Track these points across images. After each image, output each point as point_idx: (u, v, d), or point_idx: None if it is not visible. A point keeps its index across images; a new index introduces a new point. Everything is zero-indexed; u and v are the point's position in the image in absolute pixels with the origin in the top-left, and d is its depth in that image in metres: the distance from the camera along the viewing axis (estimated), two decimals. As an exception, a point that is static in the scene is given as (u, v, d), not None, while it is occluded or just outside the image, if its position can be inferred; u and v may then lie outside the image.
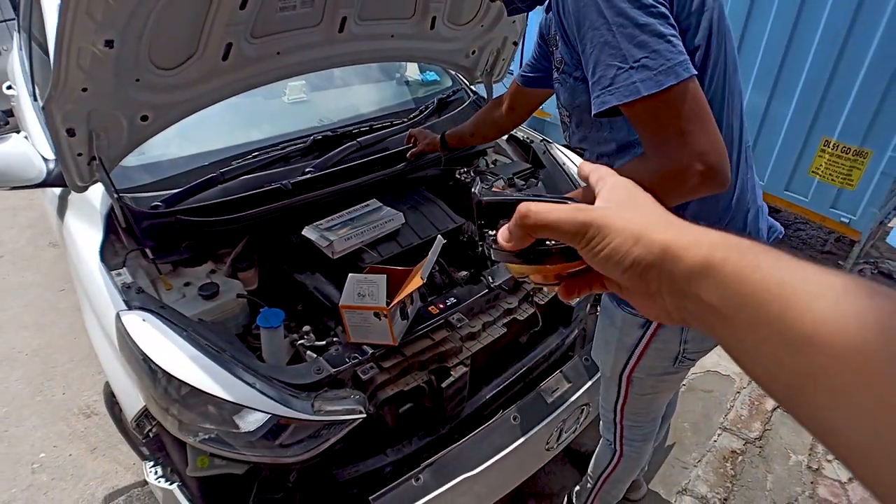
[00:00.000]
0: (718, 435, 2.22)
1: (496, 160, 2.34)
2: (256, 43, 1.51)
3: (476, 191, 0.58)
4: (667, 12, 0.84)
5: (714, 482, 2.03)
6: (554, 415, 1.54)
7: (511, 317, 1.68)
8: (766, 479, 2.04)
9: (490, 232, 0.51)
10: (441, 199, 1.92)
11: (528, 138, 2.37)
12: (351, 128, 1.91)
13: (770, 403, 2.36)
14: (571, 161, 2.23)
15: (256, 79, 1.59)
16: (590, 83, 0.89)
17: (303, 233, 1.55)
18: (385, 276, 1.32)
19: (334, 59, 1.74)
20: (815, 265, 0.32)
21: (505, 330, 1.62)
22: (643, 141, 0.89)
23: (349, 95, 2.21)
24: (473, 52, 2.15)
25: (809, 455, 2.13)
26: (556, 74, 1.12)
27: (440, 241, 1.42)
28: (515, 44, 2.20)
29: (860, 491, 1.98)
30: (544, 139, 2.36)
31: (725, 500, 1.97)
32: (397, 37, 1.85)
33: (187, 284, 1.52)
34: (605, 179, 0.47)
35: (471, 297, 1.57)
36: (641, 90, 0.81)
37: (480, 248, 1.88)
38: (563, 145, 2.18)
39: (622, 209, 0.42)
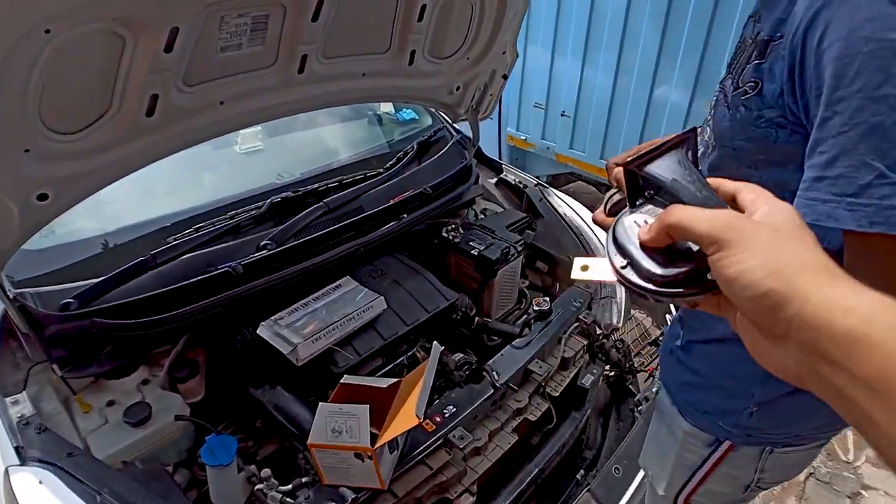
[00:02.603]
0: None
1: (486, 209, 2.05)
2: (191, 92, 1.18)
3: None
4: None
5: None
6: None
7: (521, 417, 1.38)
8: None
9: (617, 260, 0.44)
10: (426, 267, 1.62)
11: (521, 182, 2.09)
12: (316, 184, 1.58)
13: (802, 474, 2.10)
14: (572, 209, 1.96)
15: (195, 135, 1.25)
16: (811, 167, 0.60)
17: (258, 332, 1.21)
18: (367, 406, 1.00)
19: (294, 105, 1.43)
20: None
21: (516, 437, 1.32)
22: (863, 276, 0.62)
23: (313, 141, 1.88)
24: (458, 89, 1.86)
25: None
26: (727, 88, 0.77)
27: (437, 350, 1.12)
28: (505, 77, 1.92)
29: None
30: (539, 183, 2.09)
31: None
32: (370, 75, 1.54)
33: (111, 404, 1.18)
34: (763, 200, 0.41)
35: (473, 402, 1.26)
36: None
37: (475, 324, 1.58)
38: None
39: (775, 232, 0.38)
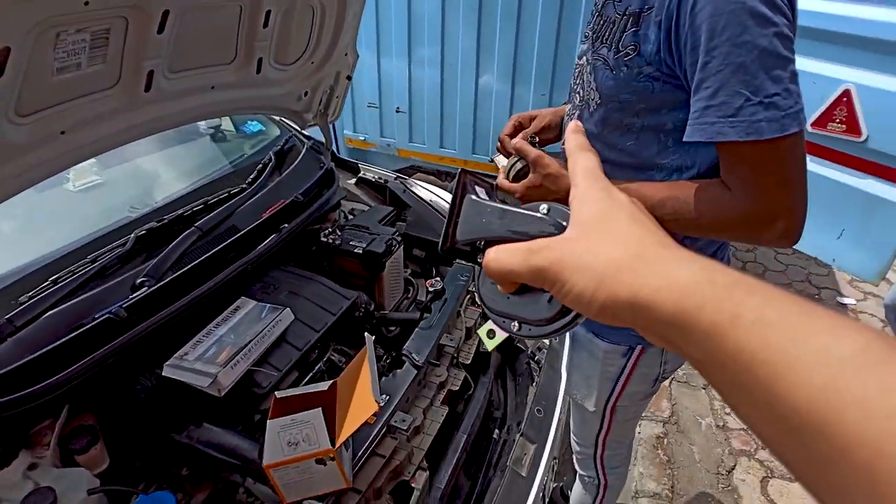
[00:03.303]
0: (640, 426, 2.27)
1: (353, 209, 2.07)
2: (26, 123, 1.03)
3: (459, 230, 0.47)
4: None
5: (656, 475, 2.06)
6: (535, 486, 1.35)
7: (445, 389, 1.45)
8: (693, 451, 2.15)
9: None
10: (313, 272, 1.60)
11: (381, 178, 2.14)
12: (181, 210, 1.46)
13: (668, 381, 2.50)
14: (438, 196, 2.07)
15: (35, 172, 1.09)
16: (698, 101, 0.77)
17: (165, 374, 1.11)
18: (319, 409, 0.98)
19: (142, 128, 1.30)
20: (810, 310, 0.27)
21: (447, 408, 1.39)
22: (734, 177, 0.80)
23: (157, 167, 1.72)
24: (306, 94, 1.85)
25: (714, 415, 2.30)
26: (606, 54, 0.91)
27: (370, 339, 1.13)
28: (349, 78, 1.95)
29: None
30: (399, 176, 2.16)
31: (672, 487, 2.00)
32: (219, 87, 1.47)
33: (-7, 503, 0.98)
34: (577, 183, 0.40)
35: (403, 385, 1.29)
36: (765, 131, 0.72)
37: (375, 319, 1.61)
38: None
39: (586, 238, 0.37)
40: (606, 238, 0.35)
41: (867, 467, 0.22)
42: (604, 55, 0.93)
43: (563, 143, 0.46)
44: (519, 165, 1.02)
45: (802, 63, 2.33)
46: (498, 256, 0.39)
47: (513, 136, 1.11)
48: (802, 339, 0.25)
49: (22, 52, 0.92)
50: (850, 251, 2.46)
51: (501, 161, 1.09)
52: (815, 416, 0.24)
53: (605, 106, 0.96)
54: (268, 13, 1.42)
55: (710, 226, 0.83)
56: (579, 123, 0.45)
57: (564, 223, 0.40)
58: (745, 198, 0.79)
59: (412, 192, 2.08)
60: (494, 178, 0.47)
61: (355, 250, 1.65)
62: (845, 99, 2.31)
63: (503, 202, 0.45)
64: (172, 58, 1.26)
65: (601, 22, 0.95)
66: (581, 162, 0.42)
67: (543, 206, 0.41)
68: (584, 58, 1.00)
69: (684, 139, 0.81)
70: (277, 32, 1.51)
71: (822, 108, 2.37)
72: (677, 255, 0.33)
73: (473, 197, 0.46)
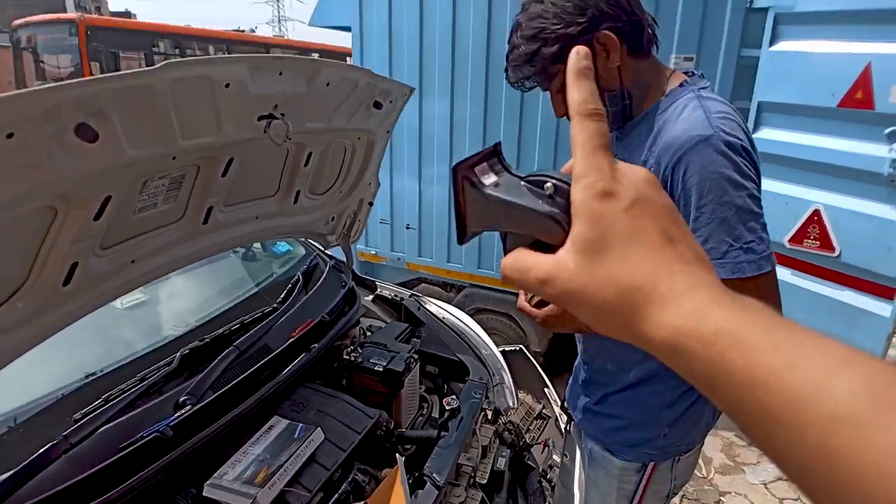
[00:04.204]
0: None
1: (371, 326, 2.17)
2: (106, 255, 1.16)
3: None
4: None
5: None
6: None
7: (465, 512, 1.47)
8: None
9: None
10: (336, 389, 1.67)
11: (397, 296, 2.27)
12: (222, 329, 1.56)
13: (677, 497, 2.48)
14: (450, 313, 2.19)
15: (105, 297, 1.20)
16: None
17: (206, 494, 1.15)
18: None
19: (196, 254, 1.44)
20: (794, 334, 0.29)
21: (468, 532, 1.41)
22: None
23: (197, 286, 1.84)
24: (332, 219, 2.02)
25: None
26: None
27: (401, 461, 1.19)
28: (371, 203, 2.14)
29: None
30: (413, 294, 2.29)
31: None
32: (262, 217, 1.63)
33: None
34: (575, 165, 0.37)
35: (426, 508, 1.32)
36: (746, 270, 0.91)
37: (394, 437, 1.65)
38: None
39: (584, 271, 0.35)
40: (602, 274, 0.34)
41: None
42: None
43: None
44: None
45: (778, 186, 2.57)
46: (511, 276, 0.40)
47: None
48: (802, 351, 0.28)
49: (118, 199, 1.07)
50: (839, 362, 2.57)
51: None
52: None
53: None
54: (309, 154, 1.62)
55: None
56: (582, 53, 0.38)
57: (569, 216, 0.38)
58: None
59: (426, 309, 2.20)
60: (485, 160, 0.45)
61: (376, 368, 1.73)
62: (816, 218, 2.56)
63: (508, 172, 0.44)
64: (228, 194, 1.42)
65: None
66: (581, 132, 0.37)
67: (548, 185, 0.39)
68: None
69: None
70: (314, 168, 1.70)
71: (797, 227, 2.62)
72: (668, 289, 0.33)
73: (475, 189, 0.44)
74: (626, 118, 1.11)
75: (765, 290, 0.94)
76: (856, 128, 2.42)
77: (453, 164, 0.44)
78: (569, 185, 0.37)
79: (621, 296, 0.34)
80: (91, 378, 1.30)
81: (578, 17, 0.99)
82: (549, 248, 0.38)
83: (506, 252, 0.42)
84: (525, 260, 0.39)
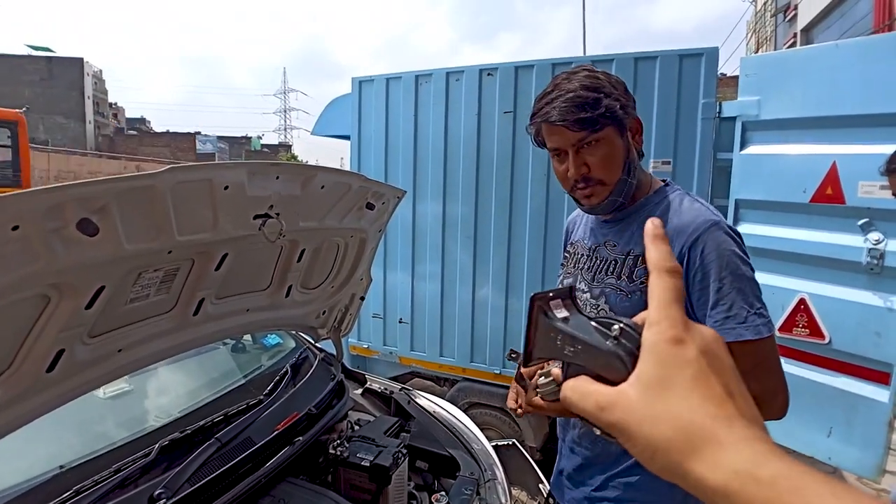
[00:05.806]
0: None
1: (359, 420, 2.14)
2: (93, 343, 1.20)
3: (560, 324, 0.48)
4: None
5: None
6: None
7: None
8: None
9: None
10: (321, 485, 1.62)
11: (387, 389, 2.25)
12: (203, 421, 1.55)
13: None
14: (441, 407, 2.16)
15: (89, 385, 1.22)
16: (717, 313, 1.08)
17: None
18: None
19: (185, 345, 1.47)
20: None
21: None
22: (749, 374, 1.01)
23: (182, 376, 1.85)
24: (324, 313, 2.07)
25: None
26: (617, 283, 1.21)
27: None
28: (362, 298, 2.20)
29: None
30: (403, 388, 2.28)
31: None
32: (253, 309, 1.68)
33: None
34: (650, 314, 0.40)
35: None
36: (763, 332, 1.05)
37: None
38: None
39: (645, 404, 0.37)
40: (663, 410, 0.36)
41: None
42: (613, 284, 1.21)
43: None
44: (549, 388, 1.05)
45: (763, 277, 2.68)
46: (572, 400, 0.42)
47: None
48: None
49: (112, 289, 1.13)
50: (844, 448, 2.50)
51: (540, 379, 1.17)
52: None
53: None
54: (302, 251, 1.70)
55: None
56: (658, 223, 0.44)
57: (636, 351, 0.40)
58: (754, 382, 1.00)
59: (416, 403, 2.17)
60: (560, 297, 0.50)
61: (363, 462, 1.69)
62: (803, 306, 2.62)
63: (579, 312, 0.48)
64: (220, 287, 1.48)
65: (596, 260, 1.27)
66: (658, 285, 0.41)
67: (616, 327, 0.42)
68: (579, 287, 1.28)
69: None
70: (307, 264, 1.78)
71: (785, 315, 2.66)
72: (727, 435, 0.34)
73: (547, 320, 0.48)
74: (627, 196, 1.21)
75: (774, 349, 1.08)
76: (830, 221, 2.54)
77: (531, 294, 0.50)
78: (634, 328, 0.41)
79: (679, 433, 0.35)
80: (64, 469, 1.28)
81: (627, 95, 1.18)
82: (609, 384, 0.41)
83: (565, 379, 0.45)
84: (587, 385, 0.42)
